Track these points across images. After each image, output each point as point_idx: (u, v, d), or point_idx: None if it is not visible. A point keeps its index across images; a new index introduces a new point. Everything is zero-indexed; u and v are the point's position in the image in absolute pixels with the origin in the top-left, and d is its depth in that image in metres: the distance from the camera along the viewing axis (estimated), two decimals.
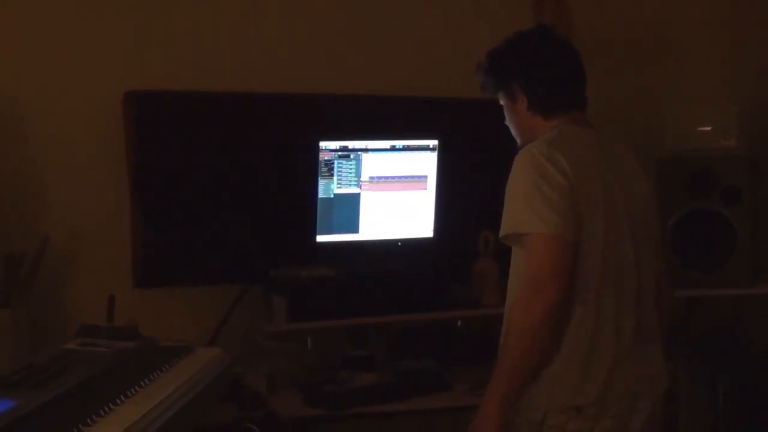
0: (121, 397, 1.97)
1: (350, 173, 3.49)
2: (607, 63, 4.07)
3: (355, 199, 3.53)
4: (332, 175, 3.46)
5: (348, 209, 3.53)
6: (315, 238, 3.49)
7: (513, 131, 2.72)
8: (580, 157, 2.48)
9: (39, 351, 2.61)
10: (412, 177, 3.62)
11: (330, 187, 3.47)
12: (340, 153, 3.47)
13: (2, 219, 3.35)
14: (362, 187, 3.53)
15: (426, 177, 3.63)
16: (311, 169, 3.44)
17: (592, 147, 2.57)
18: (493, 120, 2.82)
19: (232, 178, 3.51)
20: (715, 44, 4.38)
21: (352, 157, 3.49)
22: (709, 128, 3.88)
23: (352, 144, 3.48)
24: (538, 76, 2.61)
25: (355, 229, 3.55)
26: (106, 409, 1.88)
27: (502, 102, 2.71)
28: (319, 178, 3.44)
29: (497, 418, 2.38)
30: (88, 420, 1.79)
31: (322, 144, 3.44)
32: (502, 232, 2.46)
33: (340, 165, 3.47)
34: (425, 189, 3.64)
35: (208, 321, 3.52)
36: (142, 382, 2.11)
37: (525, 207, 2.40)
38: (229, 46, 3.66)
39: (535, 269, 2.38)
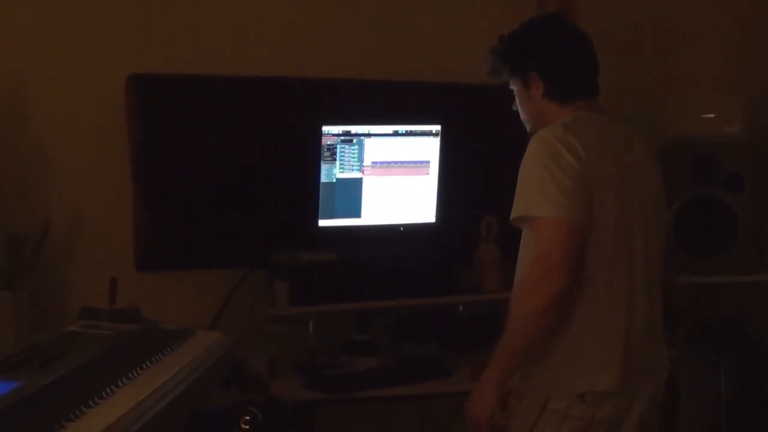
0: (123, 379, 1.98)
1: (353, 158, 3.49)
2: (611, 49, 4.04)
3: (357, 183, 3.53)
4: (335, 159, 3.46)
5: (350, 194, 3.52)
6: (317, 223, 3.49)
7: (523, 116, 2.71)
8: (595, 141, 2.48)
9: (41, 333, 2.61)
10: (415, 162, 3.61)
11: (332, 172, 3.47)
12: (342, 138, 3.46)
13: (5, 201, 3.34)
14: (365, 172, 3.53)
15: (429, 162, 3.63)
16: (314, 153, 3.43)
17: (607, 132, 2.58)
18: (497, 105, 2.82)
19: (234, 162, 3.50)
20: (721, 31, 4.37)
21: (354, 141, 3.48)
22: (713, 115, 3.87)
23: (354, 129, 3.48)
24: (557, 64, 2.61)
25: (357, 213, 3.55)
26: (108, 391, 1.88)
27: (513, 87, 2.70)
28: (321, 163, 3.44)
29: (493, 396, 2.42)
30: (90, 402, 1.80)
31: (325, 128, 3.43)
32: (513, 214, 2.46)
33: (343, 150, 3.47)
34: (428, 174, 3.64)
35: (209, 305, 3.53)
36: (143, 365, 2.12)
37: (536, 190, 2.40)
38: (232, 30, 3.64)
39: (543, 254, 2.39)
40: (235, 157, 3.51)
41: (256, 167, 3.51)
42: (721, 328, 3.92)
